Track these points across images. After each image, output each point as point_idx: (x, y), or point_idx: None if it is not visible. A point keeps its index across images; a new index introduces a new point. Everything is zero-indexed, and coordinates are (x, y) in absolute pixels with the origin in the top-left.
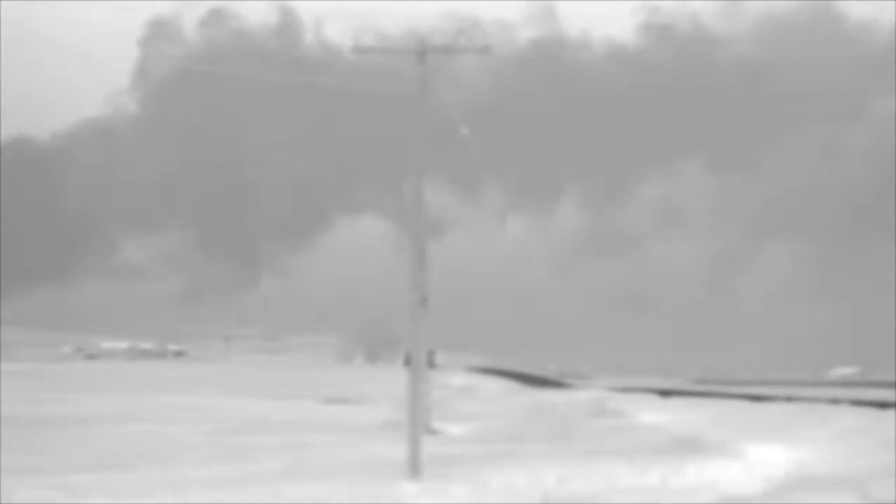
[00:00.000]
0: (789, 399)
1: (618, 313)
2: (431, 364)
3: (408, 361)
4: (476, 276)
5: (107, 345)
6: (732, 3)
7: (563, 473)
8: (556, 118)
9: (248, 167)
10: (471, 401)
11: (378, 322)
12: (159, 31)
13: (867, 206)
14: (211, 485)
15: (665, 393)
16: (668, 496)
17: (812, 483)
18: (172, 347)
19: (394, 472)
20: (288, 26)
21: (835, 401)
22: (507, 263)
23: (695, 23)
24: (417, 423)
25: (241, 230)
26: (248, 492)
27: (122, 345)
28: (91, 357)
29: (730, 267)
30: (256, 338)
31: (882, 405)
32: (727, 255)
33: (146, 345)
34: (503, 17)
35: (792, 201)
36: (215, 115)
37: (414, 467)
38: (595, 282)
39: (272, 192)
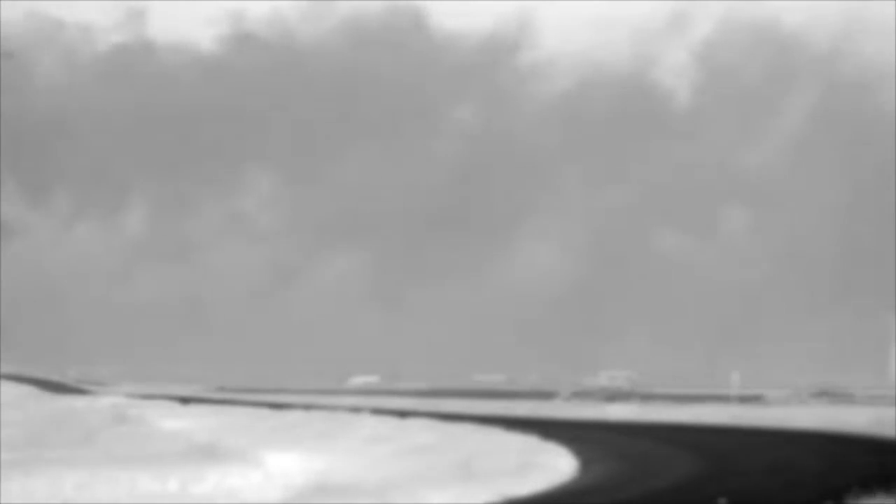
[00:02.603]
0: (308, 407)
1: (170, 319)
2: None
3: None
4: (39, 281)
5: None
6: (319, 5)
7: (84, 480)
8: (131, 125)
9: None
10: None
11: None
12: None
13: (435, 213)
14: None
15: (185, 400)
16: (187, 502)
17: (332, 490)
18: None
19: None
20: None
21: (355, 409)
22: (69, 269)
23: (283, 28)
24: None
25: None
26: None
27: None
28: None
29: (288, 276)
30: None
31: (402, 414)
32: (288, 264)
33: None
34: (92, 21)
35: (358, 211)
36: None
37: None
38: (155, 288)
39: None
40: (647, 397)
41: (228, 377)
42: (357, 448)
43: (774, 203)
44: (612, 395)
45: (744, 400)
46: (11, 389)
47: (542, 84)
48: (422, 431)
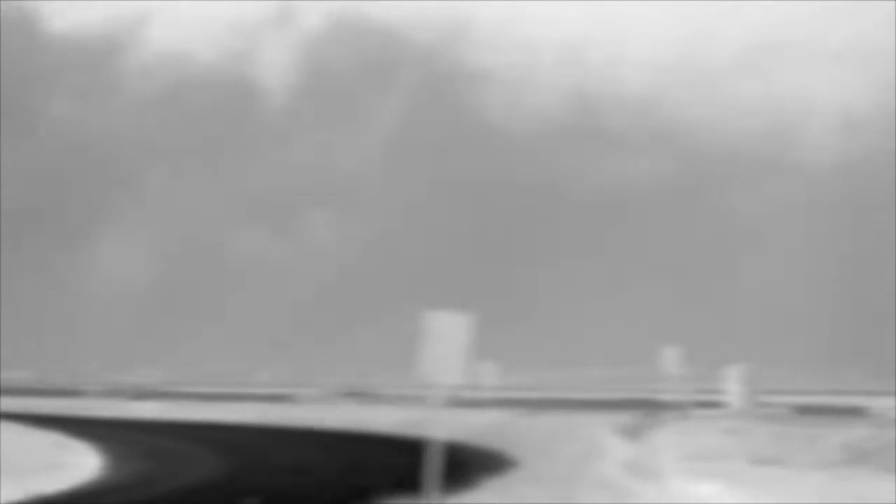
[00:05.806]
0: None
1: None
2: None
3: None
4: None
5: None
6: None
7: None
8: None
9: None
10: None
11: None
12: None
13: (22, 212)
14: None
15: None
16: None
17: None
18: None
19: None
20: None
21: None
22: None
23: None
24: None
25: None
26: None
27: None
28: None
29: None
30: None
31: None
32: None
33: None
34: None
35: None
36: None
37: None
38: None
39: None
40: (177, 395)
41: None
42: None
43: (359, 203)
44: (141, 393)
45: (274, 399)
46: None
47: (142, 82)
48: None
